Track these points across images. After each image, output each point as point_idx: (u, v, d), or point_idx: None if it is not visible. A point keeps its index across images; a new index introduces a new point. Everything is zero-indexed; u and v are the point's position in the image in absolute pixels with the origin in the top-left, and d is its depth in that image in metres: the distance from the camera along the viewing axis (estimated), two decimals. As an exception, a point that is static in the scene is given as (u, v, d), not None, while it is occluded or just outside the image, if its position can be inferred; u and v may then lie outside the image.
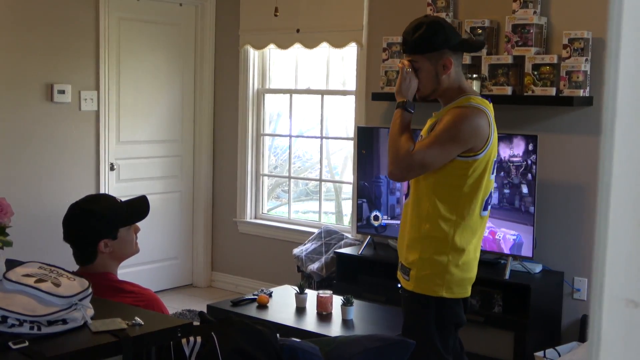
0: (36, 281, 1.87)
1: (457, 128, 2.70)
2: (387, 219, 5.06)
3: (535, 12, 4.52)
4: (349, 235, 5.55)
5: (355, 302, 4.19)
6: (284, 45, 5.95)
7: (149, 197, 2.80)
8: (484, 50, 4.70)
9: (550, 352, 4.10)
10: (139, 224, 2.71)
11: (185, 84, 6.34)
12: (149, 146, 6.14)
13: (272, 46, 6.05)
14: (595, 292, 0.60)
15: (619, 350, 0.58)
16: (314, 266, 5.31)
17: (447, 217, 2.74)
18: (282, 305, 4.36)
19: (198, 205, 6.49)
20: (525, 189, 4.45)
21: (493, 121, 2.79)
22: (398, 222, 4.83)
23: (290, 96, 6.24)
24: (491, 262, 4.65)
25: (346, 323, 4.08)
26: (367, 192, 5.18)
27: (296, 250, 5.55)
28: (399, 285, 2.92)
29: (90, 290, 1.93)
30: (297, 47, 5.92)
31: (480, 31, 4.74)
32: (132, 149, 6.00)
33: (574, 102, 4.34)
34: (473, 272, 2.84)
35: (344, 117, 6.11)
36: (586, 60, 4.34)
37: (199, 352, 2.15)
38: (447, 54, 2.76)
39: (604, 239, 0.58)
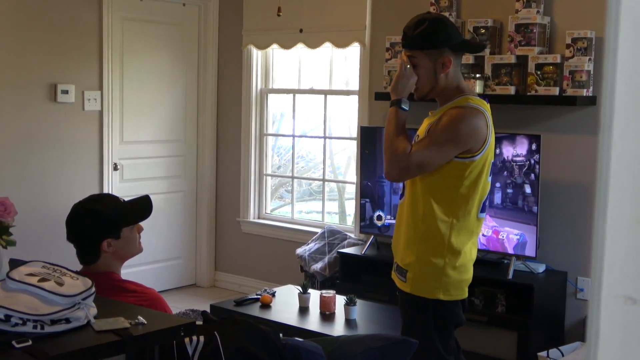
0: (39, 280, 1.87)
1: (455, 129, 2.66)
2: (390, 219, 5.06)
3: (538, 12, 4.51)
4: (352, 235, 5.55)
5: (358, 301, 4.19)
6: (287, 45, 5.96)
7: (152, 197, 2.81)
8: (487, 50, 4.70)
9: (553, 352, 4.09)
10: (142, 223, 2.72)
11: (189, 84, 6.35)
12: (153, 146, 6.15)
13: (275, 46, 6.06)
14: (593, 289, 0.60)
15: (617, 347, 0.58)
16: (317, 266, 5.32)
17: (444, 219, 2.70)
18: (285, 305, 4.37)
19: (201, 205, 6.50)
20: (528, 189, 4.45)
21: (491, 122, 2.76)
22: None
23: (294, 96, 6.24)
24: (494, 261, 4.65)
25: (349, 323, 4.08)
26: (370, 192, 5.18)
27: (299, 250, 5.55)
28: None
29: (93, 289, 1.94)
30: (300, 47, 5.92)
31: (483, 31, 4.73)
32: (136, 149, 6.01)
33: (577, 102, 4.33)
34: (470, 274, 2.81)
35: (347, 117, 6.11)
36: (589, 59, 4.34)
37: (201, 351, 2.15)
38: (447, 52, 2.72)
39: (602, 237, 0.58)
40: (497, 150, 4.53)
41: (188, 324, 1.97)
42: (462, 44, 2.82)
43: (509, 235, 4.52)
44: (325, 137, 6.10)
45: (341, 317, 4.15)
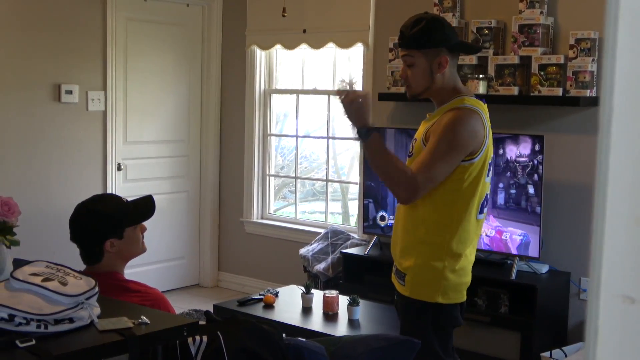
0: (43, 280, 1.88)
1: (455, 136, 2.61)
2: (394, 219, 5.06)
3: (542, 12, 4.51)
4: (355, 236, 5.55)
5: (361, 302, 4.19)
6: (290, 45, 5.96)
7: (155, 197, 2.81)
8: (491, 51, 4.70)
9: (556, 352, 4.09)
10: (145, 223, 2.72)
11: (192, 85, 6.36)
12: (156, 146, 6.16)
13: (278, 47, 6.06)
14: (592, 288, 0.60)
15: (615, 346, 0.59)
16: (320, 266, 5.32)
17: (443, 222, 2.68)
18: (289, 305, 4.37)
19: (205, 205, 6.50)
20: (531, 189, 4.45)
21: (488, 122, 2.72)
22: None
23: (297, 96, 6.25)
24: (498, 262, 4.65)
25: (352, 323, 4.09)
26: (373, 193, 5.18)
27: (302, 251, 5.56)
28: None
29: (96, 289, 1.94)
30: (303, 48, 5.92)
31: (487, 31, 4.73)
32: (139, 149, 6.02)
33: (581, 103, 4.33)
34: (469, 277, 2.79)
35: (350, 117, 6.10)
36: (593, 60, 4.34)
37: (204, 351, 2.16)
38: (444, 52, 2.70)
39: (600, 236, 0.59)
40: (501, 151, 4.53)
41: (191, 324, 1.97)
42: (458, 45, 2.81)
43: (512, 235, 4.52)
44: (328, 138, 6.10)
45: (344, 317, 4.15)
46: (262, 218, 6.40)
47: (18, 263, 2.09)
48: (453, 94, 2.73)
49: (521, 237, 4.49)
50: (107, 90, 5.70)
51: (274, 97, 6.37)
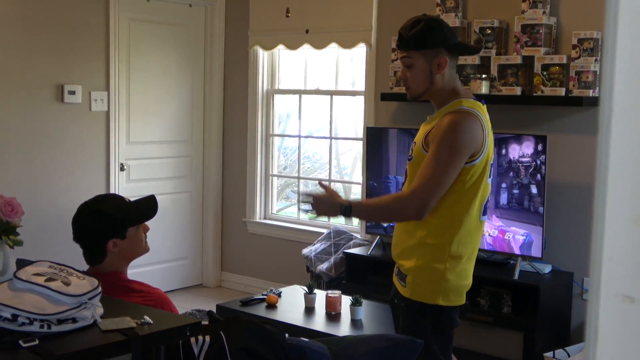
0: (46, 280, 1.88)
1: (454, 141, 2.60)
2: (396, 219, 5.06)
3: (544, 12, 4.51)
4: (358, 236, 5.56)
5: (364, 302, 4.20)
6: (293, 45, 5.96)
7: (158, 198, 2.81)
8: (493, 51, 4.70)
9: (559, 352, 4.09)
10: (148, 223, 2.72)
11: (195, 85, 6.37)
12: (159, 146, 6.16)
13: (281, 47, 6.07)
14: (592, 287, 0.60)
15: (615, 345, 0.59)
16: (323, 266, 5.32)
17: (445, 224, 2.68)
18: (291, 305, 4.37)
19: (208, 205, 6.51)
20: (534, 189, 4.44)
21: (487, 123, 2.70)
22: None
23: (300, 97, 6.25)
24: (500, 262, 4.65)
25: (355, 323, 4.09)
26: (376, 193, 5.18)
27: (305, 251, 5.56)
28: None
29: (99, 289, 1.95)
30: (306, 48, 5.93)
31: (489, 31, 4.73)
32: (142, 150, 6.03)
33: (584, 103, 4.33)
34: (470, 280, 2.79)
35: (353, 117, 6.11)
36: (596, 60, 4.33)
37: (207, 351, 2.16)
38: (443, 53, 2.69)
39: (600, 236, 0.59)
40: (503, 151, 4.53)
41: (194, 324, 1.98)
42: (457, 45, 2.80)
43: (515, 235, 4.52)
44: (331, 138, 6.10)
45: (347, 317, 4.15)
46: (264, 218, 6.41)
47: (21, 263, 2.09)
48: (452, 96, 2.72)
49: (524, 237, 4.49)
50: (110, 91, 5.71)
51: (277, 97, 6.37)
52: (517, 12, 4.62)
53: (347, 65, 6.06)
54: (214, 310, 4.28)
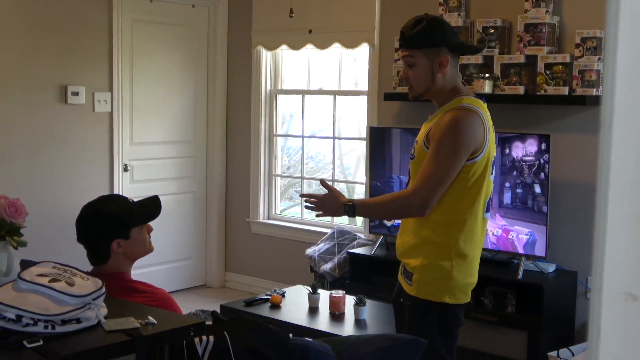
0: (50, 281, 1.89)
1: (454, 138, 2.62)
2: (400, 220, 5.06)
3: (547, 11, 4.51)
4: (362, 236, 5.56)
5: (368, 302, 4.20)
6: (296, 46, 5.97)
7: (162, 198, 2.82)
8: (496, 50, 4.70)
9: (564, 352, 4.08)
10: (151, 224, 2.73)
11: (198, 85, 6.37)
12: (163, 147, 6.17)
13: (284, 47, 6.07)
14: (594, 286, 0.60)
15: (618, 343, 0.59)
16: (326, 266, 5.32)
17: (449, 222, 2.69)
18: (295, 305, 4.38)
19: (211, 205, 6.52)
20: (538, 189, 4.44)
21: (488, 121, 2.71)
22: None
23: (303, 97, 6.25)
24: (504, 261, 4.64)
25: (359, 323, 4.09)
26: (379, 192, 5.18)
27: (309, 251, 5.56)
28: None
29: (103, 289, 1.95)
30: (309, 48, 5.93)
31: (492, 31, 4.73)
32: (146, 150, 6.03)
33: (587, 102, 4.32)
34: (475, 277, 2.79)
35: (356, 117, 6.11)
36: (599, 59, 4.33)
37: (211, 351, 2.16)
38: (444, 52, 2.71)
39: (603, 234, 0.59)
40: (507, 150, 4.52)
41: (198, 324, 1.98)
42: (459, 45, 2.81)
43: (518, 234, 4.52)
44: (334, 138, 6.10)
45: (351, 317, 4.16)
46: (268, 218, 6.41)
47: (25, 264, 2.10)
48: (453, 94, 2.74)
49: (528, 237, 4.48)
50: (114, 92, 5.71)
51: (280, 97, 6.37)
52: (520, 11, 4.61)
53: (350, 65, 6.06)
54: (218, 310, 4.29)
